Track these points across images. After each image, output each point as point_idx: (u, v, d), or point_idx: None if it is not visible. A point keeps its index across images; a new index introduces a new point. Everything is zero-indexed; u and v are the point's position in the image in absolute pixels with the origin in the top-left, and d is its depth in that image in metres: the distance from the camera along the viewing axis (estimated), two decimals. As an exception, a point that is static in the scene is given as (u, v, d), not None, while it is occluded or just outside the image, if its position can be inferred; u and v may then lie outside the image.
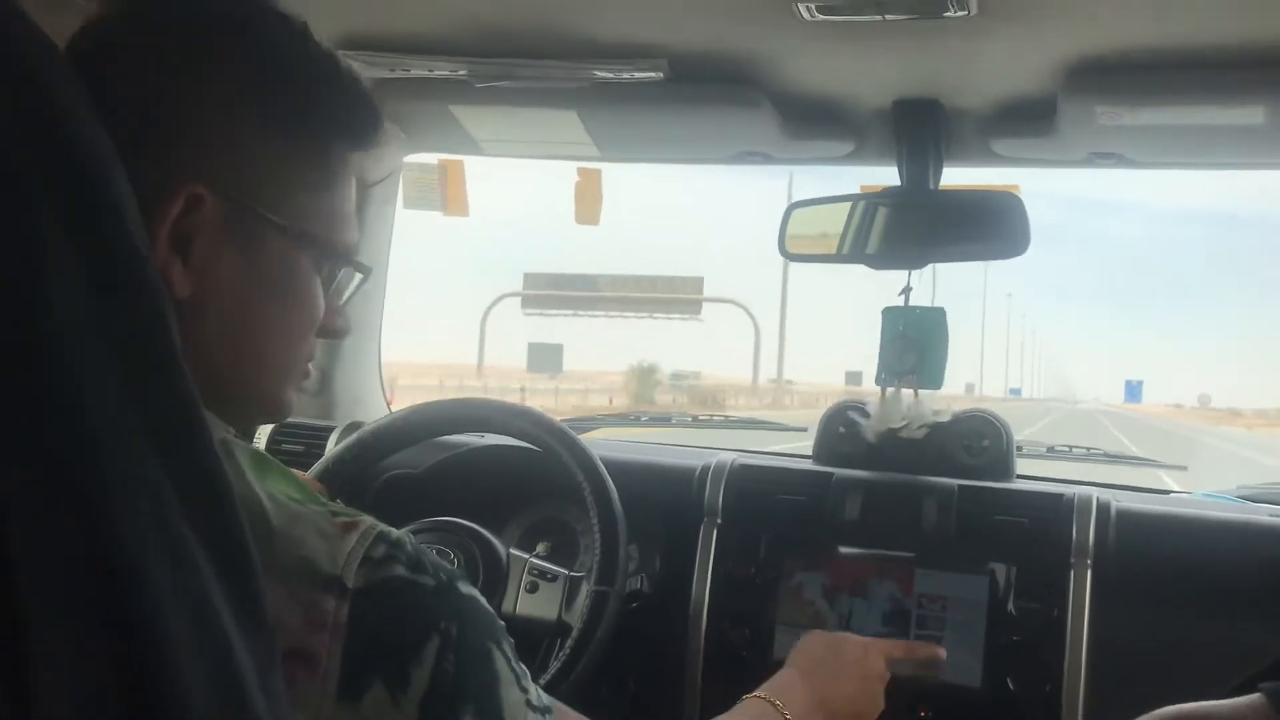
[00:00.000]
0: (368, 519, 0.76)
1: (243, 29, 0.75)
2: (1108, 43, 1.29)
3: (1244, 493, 1.84)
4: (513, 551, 1.54)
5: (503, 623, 0.80)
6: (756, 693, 1.19)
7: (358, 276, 0.86)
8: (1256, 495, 1.81)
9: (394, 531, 0.76)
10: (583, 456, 1.50)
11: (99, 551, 0.50)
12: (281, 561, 0.70)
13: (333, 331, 0.84)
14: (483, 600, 0.79)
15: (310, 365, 0.86)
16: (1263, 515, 1.58)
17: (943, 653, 1.45)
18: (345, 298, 0.86)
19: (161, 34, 0.73)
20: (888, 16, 1.22)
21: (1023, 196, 1.55)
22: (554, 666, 1.38)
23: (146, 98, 0.71)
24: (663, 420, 2.40)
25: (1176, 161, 1.63)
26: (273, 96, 0.75)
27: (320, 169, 0.79)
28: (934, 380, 1.68)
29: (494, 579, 1.49)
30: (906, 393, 1.69)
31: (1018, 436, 1.72)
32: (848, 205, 1.67)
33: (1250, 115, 1.36)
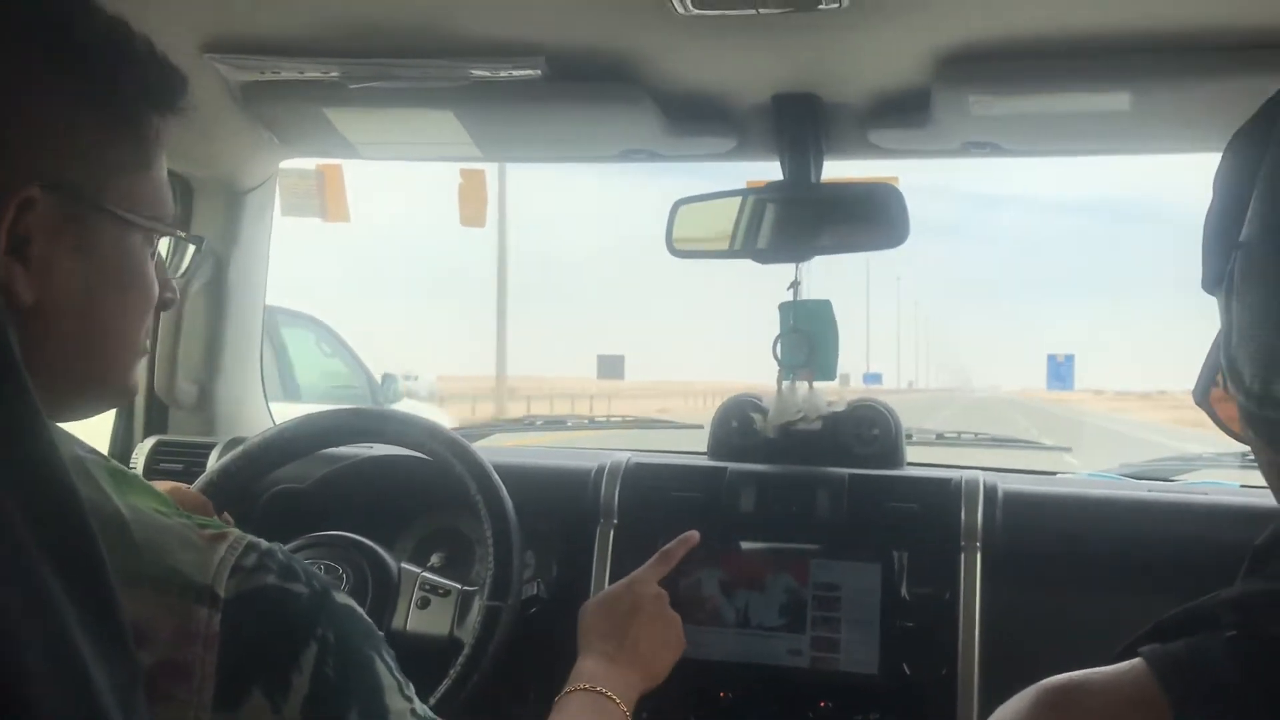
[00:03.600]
0: (236, 531, 0.75)
1: (41, 15, 0.72)
2: (977, 32, 1.31)
3: (1127, 470, 1.89)
4: (404, 566, 1.50)
5: (382, 634, 0.80)
6: (568, 687, 1.21)
7: (191, 248, 0.87)
8: (1139, 472, 1.87)
9: (264, 542, 0.75)
10: (474, 465, 1.47)
11: None
12: (149, 573, 0.69)
13: (163, 304, 0.83)
14: (359, 610, 0.78)
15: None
16: (1143, 492, 1.63)
17: (695, 535, 1.49)
18: (182, 269, 0.86)
19: None
20: (763, 10, 1.22)
21: (912, 190, 1.57)
22: (446, 684, 1.35)
23: None
24: (558, 424, 2.38)
25: (1048, 149, 1.66)
26: (83, 78, 0.73)
27: (137, 146, 0.77)
28: (828, 371, 1.70)
29: (384, 595, 1.45)
30: (802, 385, 1.70)
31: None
32: (734, 201, 1.68)
33: (1116, 101, 1.40)
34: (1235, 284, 0.52)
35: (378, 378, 6.88)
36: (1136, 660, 0.51)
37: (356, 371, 6.97)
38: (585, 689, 1.18)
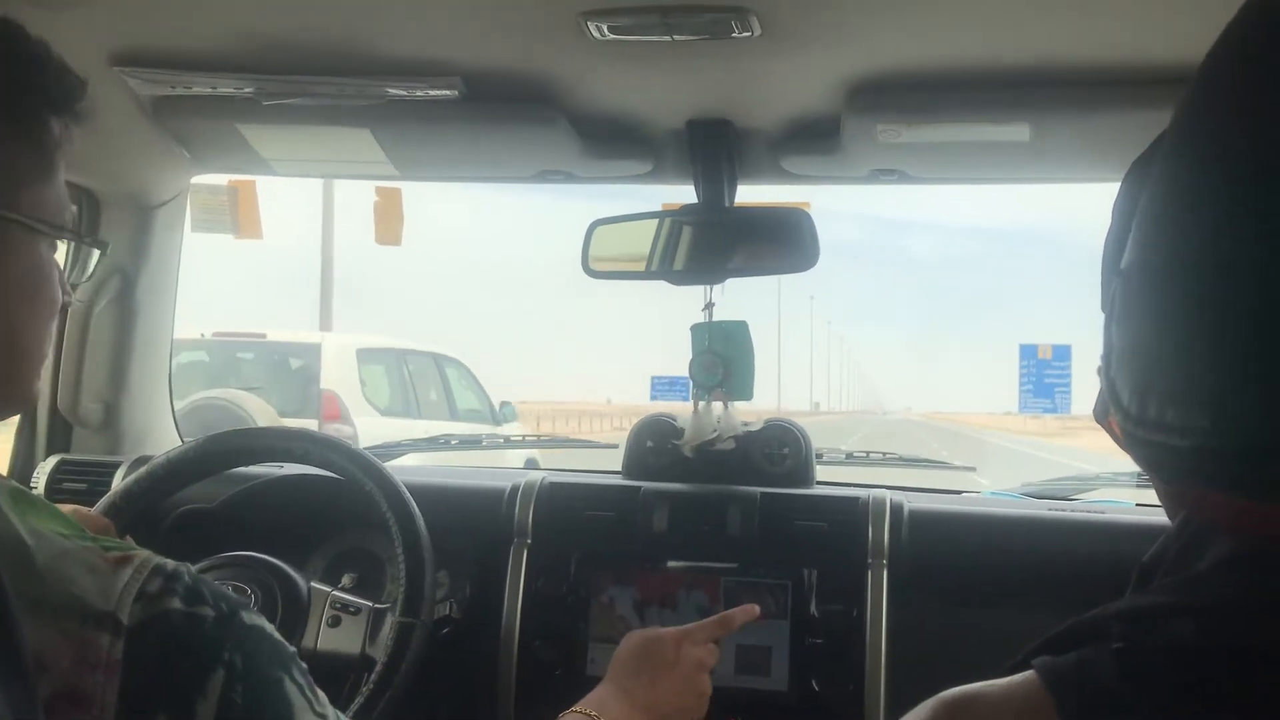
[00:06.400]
0: (144, 552, 0.72)
1: None
2: (886, 64, 1.35)
3: (1028, 490, 1.95)
4: (315, 585, 1.49)
5: (294, 649, 0.78)
6: (573, 708, 1.18)
7: (95, 253, 0.87)
8: (1039, 492, 1.93)
9: (171, 564, 0.73)
10: (386, 483, 1.46)
11: None
12: (49, 599, 0.67)
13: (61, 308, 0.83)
14: (270, 628, 0.76)
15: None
16: (1043, 510, 1.68)
17: (756, 609, 1.37)
18: (88, 274, 0.86)
19: None
20: (677, 37, 1.25)
21: (822, 215, 1.61)
22: (358, 702, 1.33)
23: None
24: (473, 443, 2.37)
25: (952, 177, 1.71)
26: None
27: (42, 152, 0.77)
28: (744, 392, 1.73)
29: (294, 615, 1.43)
30: (717, 405, 1.72)
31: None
32: (649, 223, 1.70)
33: (1017, 132, 1.45)
34: (1116, 309, 0.54)
35: (496, 405, 8.19)
36: (1029, 672, 0.53)
37: (482, 399, 8.42)
38: (584, 712, 1.16)
